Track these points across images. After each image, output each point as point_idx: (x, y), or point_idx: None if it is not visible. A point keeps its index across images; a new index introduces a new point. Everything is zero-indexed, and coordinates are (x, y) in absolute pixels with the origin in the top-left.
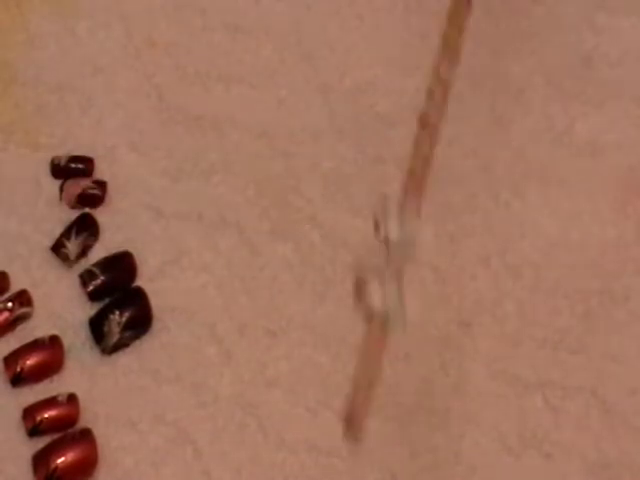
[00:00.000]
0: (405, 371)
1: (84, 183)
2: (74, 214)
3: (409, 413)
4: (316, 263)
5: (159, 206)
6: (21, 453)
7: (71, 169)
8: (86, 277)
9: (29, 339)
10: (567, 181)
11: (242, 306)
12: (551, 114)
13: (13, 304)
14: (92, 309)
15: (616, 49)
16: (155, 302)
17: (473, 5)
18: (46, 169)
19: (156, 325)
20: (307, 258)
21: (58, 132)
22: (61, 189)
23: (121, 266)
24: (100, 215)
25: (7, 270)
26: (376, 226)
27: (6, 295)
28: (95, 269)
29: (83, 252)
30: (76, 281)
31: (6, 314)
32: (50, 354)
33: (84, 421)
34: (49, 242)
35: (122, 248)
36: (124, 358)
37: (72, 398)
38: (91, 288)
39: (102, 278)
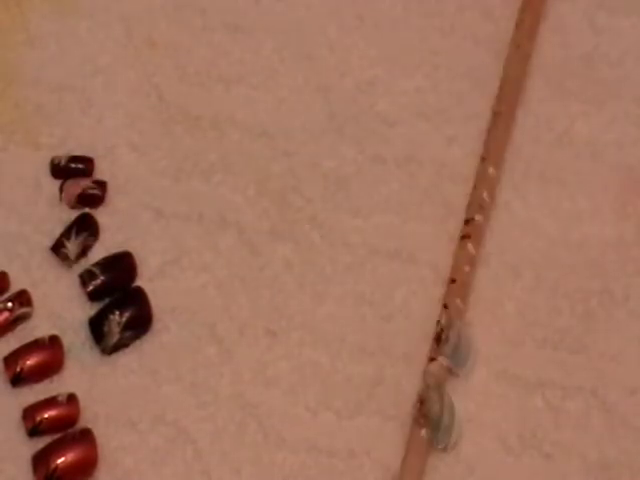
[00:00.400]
0: (405, 371)
1: (84, 183)
2: (74, 214)
3: (409, 413)
4: (316, 263)
5: (159, 206)
6: (21, 453)
7: (71, 169)
8: (86, 277)
9: (29, 339)
10: (567, 181)
11: (242, 306)
12: (551, 114)
13: (13, 304)
14: (92, 309)
15: (616, 49)
16: (155, 302)
17: (472, 5)
18: (46, 169)
19: (156, 325)
20: (307, 258)
21: (58, 132)
22: (61, 189)
23: (121, 266)
24: (100, 215)
25: (7, 270)
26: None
27: (6, 295)
28: (95, 269)
29: (83, 252)
30: (76, 281)
31: (6, 314)
32: (50, 354)
33: (84, 421)
34: (49, 242)
35: (122, 248)
36: (124, 358)
37: (72, 398)
38: (91, 288)
39: (102, 278)
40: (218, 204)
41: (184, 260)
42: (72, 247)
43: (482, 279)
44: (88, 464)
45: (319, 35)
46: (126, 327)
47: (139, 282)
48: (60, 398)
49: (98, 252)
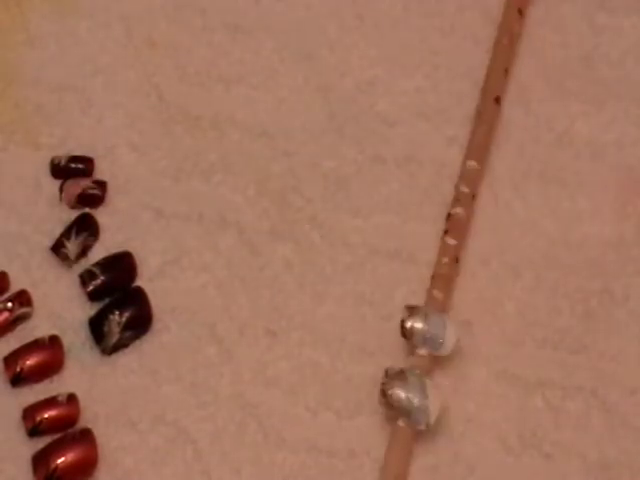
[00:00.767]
0: None
1: (84, 183)
2: (74, 214)
3: None
4: (316, 263)
5: (159, 206)
6: (21, 453)
7: (71, 169)
8: (86, 277)
9: (29, 339)
10: (567, 181)
11: (242, 306)
12: (551, 114)
13: (13, 304)
14: (92, 309)
15: (616, 49)
16: (155, 302)
17: (472, 5)
18: (46, 169)
19: (156, 325)
20: (307, 258)
21: (58, 132)
22: (61, 189)
23: (121, 266)
24: (100, 215)
25: (7, 270)
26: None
27: (6, 295)
28: (95, 269)
29: (83, 252)
30: (76, 281)
31: (6, 314)
32: (50, 354)
33: (84, 421)
34: (49, 242)
35: (122, 248)
36: (124, 358)
37: (72, 398)
38: (91, 288)
39: (102, 278)
40: (218, 204)
41: (184, 260)
42: (72, 247)
43: (482, 279)
44: (88, 464)
45: (319, 35)
46: (126, 327)
47: (139, 282)
48: (60, 398)
49: (98, 252)
